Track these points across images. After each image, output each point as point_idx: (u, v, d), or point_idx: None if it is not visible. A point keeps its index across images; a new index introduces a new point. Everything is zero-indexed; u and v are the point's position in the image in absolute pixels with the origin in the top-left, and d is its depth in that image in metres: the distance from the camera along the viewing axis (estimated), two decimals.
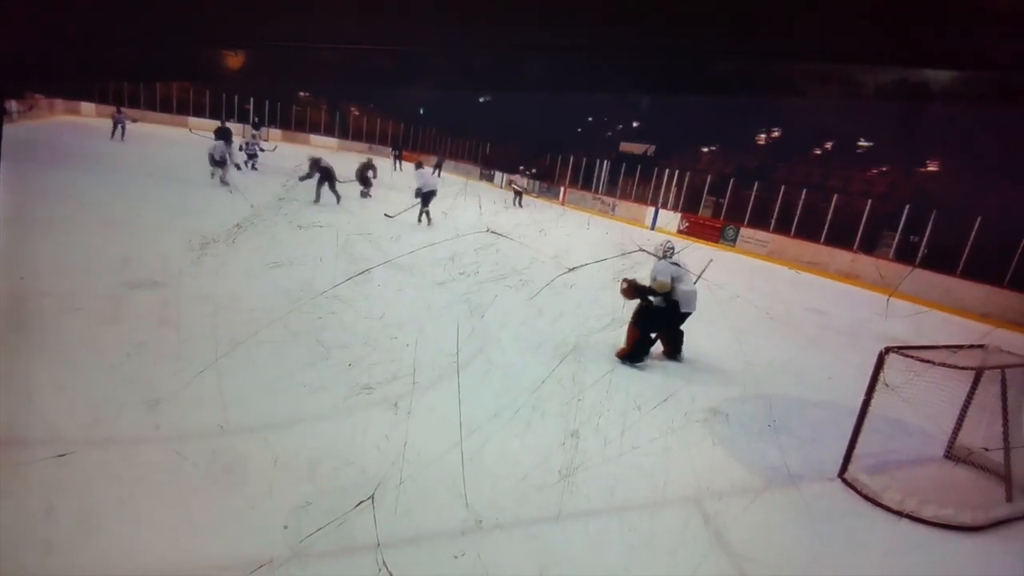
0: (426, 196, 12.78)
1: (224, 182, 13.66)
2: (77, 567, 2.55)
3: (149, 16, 0.94)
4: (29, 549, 2.57)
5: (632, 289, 5.97)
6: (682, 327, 6.25)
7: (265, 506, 3.09)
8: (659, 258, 6.11)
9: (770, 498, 3.94)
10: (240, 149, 18.03)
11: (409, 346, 5.29)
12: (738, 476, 4.16)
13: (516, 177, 24.81)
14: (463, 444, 3.58)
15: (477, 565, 2.91)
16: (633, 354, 5.89)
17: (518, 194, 23.03)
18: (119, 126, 21.56)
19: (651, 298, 5.92)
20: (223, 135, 17.12)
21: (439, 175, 29.87)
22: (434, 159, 31.33)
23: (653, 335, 6.06)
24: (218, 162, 13.86)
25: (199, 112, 33.46)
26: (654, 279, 5.94)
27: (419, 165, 13.70)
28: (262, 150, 18.89)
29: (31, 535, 2.65)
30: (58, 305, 5.10)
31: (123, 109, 22.68)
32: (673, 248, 6.22)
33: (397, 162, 29.52)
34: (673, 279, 5.91)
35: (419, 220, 12.78)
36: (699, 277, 6.47)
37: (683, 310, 6.00)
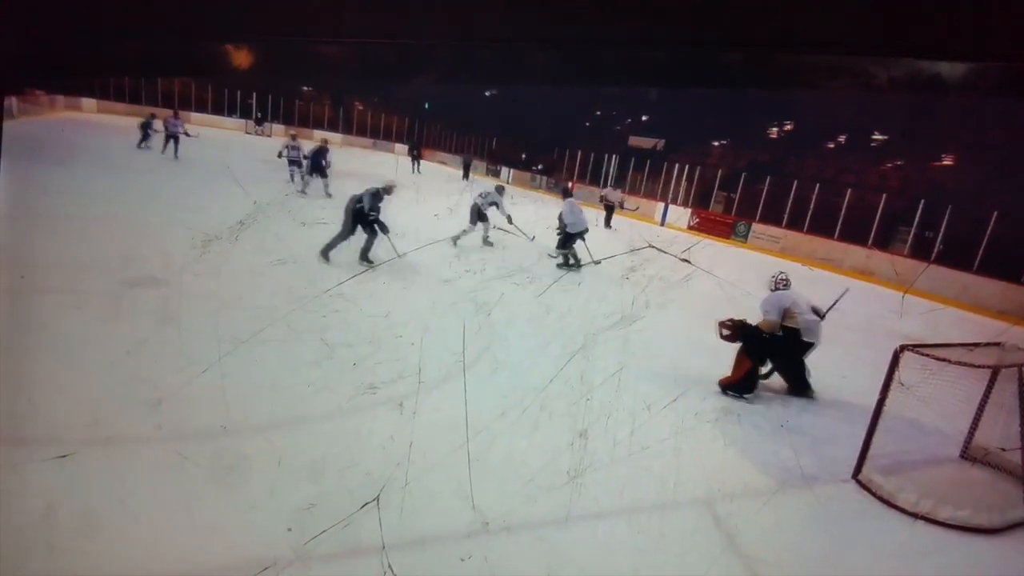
0: (573, 237, 9.99)
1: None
2: (78, 568, 2.54)
3: (151, 12, 0.94)
4: (30, 550, 2.56)
5: (736, 332, 5.45)
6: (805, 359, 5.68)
7: (268, 507, 3.07)
8: (771, 290, 5.68)
9: (783, 500, 3.88)
10: (280, 156, 14.86)
11: (414, 345, 5.26)
12: (750, 477, 4.10)
13: (608, 190, 19.01)
14: (469, 445, 3.55)
15: (484, 568, 2.88)
16: (742, 385, 5.45)
17: (610, 209, 18.00)
18: (171, 140, 16.21)
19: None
20: (318, 156, 13.99)
21: (467, 178, 27.08)
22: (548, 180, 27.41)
23: (766, 367, 5.68)
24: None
25: (201, 107, 33.53)
26: (763, 316, 5.49)
27: (567, 193, 10.64)
28: (306, 157, 14.79)
29: (32, 536, 2.64)
30: (59, 303, 5.11)
31: (178, 114, 17.31)
32: (787, 280, 5.74)
33: (416, 163, 25.85)
34: (787, 311, 5.46)
35: (569, 263, 10.03)
36: (831, 308, 5.93)
37: (805, 339, 5.48)
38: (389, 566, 2.70)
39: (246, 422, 3.77)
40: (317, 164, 14.02)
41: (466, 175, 28.01)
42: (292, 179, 14.62)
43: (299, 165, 14.66)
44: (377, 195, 8.16)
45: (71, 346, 4.43)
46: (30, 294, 5.23)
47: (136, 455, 3.34)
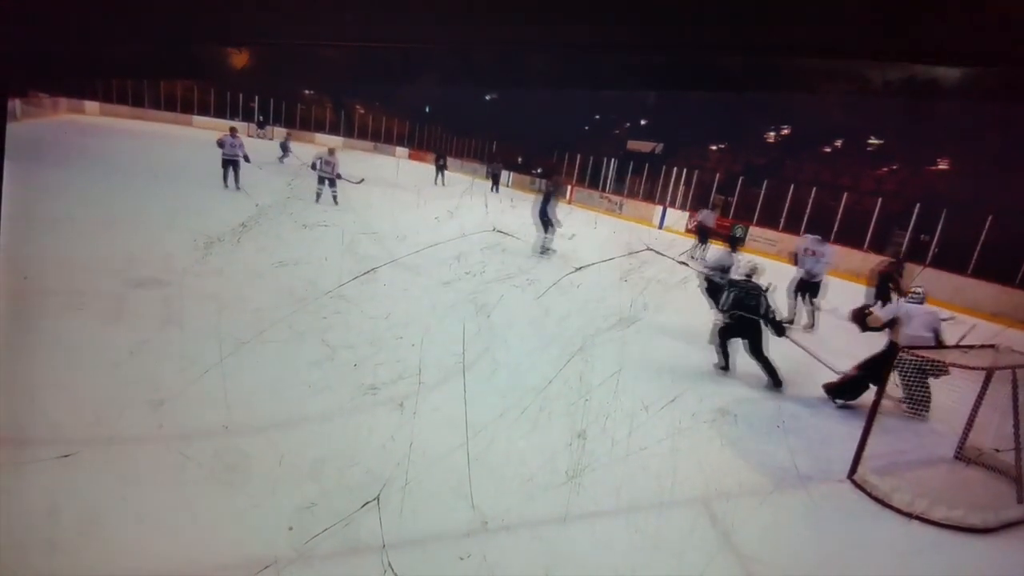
0: (812, 288, 8.95)
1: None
2: (80, 567, 2.55)
3: (153, 14, 0.94)
4: (33, 549, 2.58)
5: (859, 316, 5.66)
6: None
7: (269, 507, 3.08)
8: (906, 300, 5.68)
9: (779, 499, 3.91)
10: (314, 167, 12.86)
11: (415, 346, 5.27)
12: (746, 477, 4.13)
13: (705, 213, 14.82)
14: (469, 444, 3.56)
15: (483, 566, 2.90)
16: (841, 390, 5.62)
17: (703, 235, 14.47)
18: (230, 167, 12.77)
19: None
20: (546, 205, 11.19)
21: (496, 190, 25.09)
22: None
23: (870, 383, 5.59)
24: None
25: (203, 111, 33.55)
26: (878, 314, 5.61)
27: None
28: (339, 176, 12.62)
29: (34, 535, 2.65)
30: (62, 304, 5.12)
31: (236, 131, 13.48)
32: (918, 294, 5.69)
33: (440, 174, 24.05)
34: (897, 320, 5.51)
35: (810, 323, 8.96)
36: (961, 340, 5.51)
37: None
38: (389, 564, 2.72)
39: (248, 422, 3.79)
40: (544, 216, 11.19)
41: (495, 187, 26.45)
42: (318, 199, 12.88)
43: (332, 184, 12.79)
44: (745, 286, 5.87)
45: (74, 347, 4.45)
46: (33, 295, 5.24)
47: (138, 455, 3.35)
